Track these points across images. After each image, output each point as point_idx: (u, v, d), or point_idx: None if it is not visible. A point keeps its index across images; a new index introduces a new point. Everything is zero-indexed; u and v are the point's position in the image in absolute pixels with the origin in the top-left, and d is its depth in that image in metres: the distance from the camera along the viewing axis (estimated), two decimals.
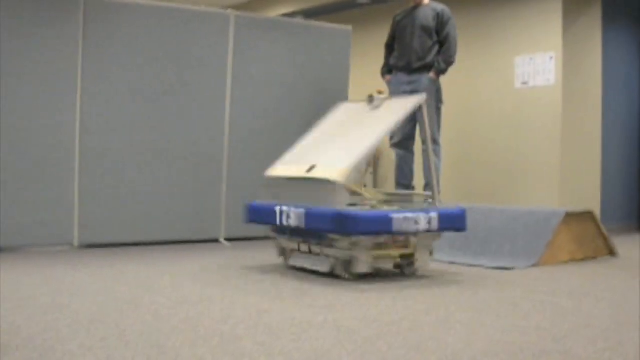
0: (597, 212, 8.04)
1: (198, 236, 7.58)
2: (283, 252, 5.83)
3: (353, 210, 5.10)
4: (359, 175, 7.34)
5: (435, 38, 7.43)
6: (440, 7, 7.49)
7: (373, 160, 10.23)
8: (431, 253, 5.50)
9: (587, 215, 6.69)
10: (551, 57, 8.59)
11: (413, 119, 7.38)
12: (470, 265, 6.02)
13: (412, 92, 7.39)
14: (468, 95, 9.39)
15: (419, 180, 7.68)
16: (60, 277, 5.23)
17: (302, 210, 5.22)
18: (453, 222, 5.41)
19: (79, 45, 6.97)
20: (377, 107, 5.91)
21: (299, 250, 5.58)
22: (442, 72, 7.41)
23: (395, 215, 5.07)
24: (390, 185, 8.25)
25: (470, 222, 6.08)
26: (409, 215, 5.12)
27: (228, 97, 7.72)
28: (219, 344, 3.24)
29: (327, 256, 5.31)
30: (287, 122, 8.00)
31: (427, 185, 7.34)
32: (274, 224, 5.52)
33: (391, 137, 7.57)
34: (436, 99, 7.42)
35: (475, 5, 9.40)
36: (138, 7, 7.31)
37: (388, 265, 5.36)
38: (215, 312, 4.02)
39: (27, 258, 6.33)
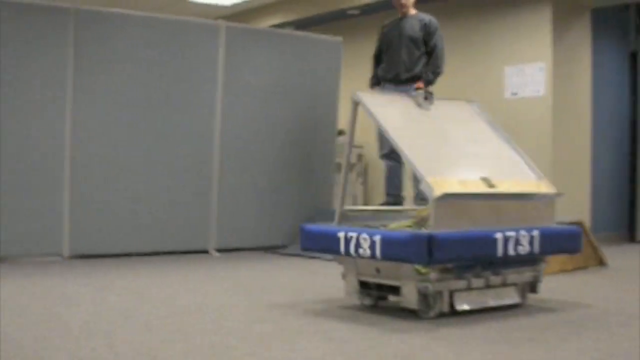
0: (587, 222, 8.05)
1: (188, 247, 7.56)
2: (433, 299, 4.20)
3: None
4: None
5: (422, 49, 7.42)
6: (427, 17, 7.49)
7: (363, 171, 10.26)
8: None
9: (577, 225, 6.69)
10: (541, 68, 8.61)
11: None
12: None
13: None
14: None
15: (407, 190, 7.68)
16: (50, 287, 5.22)
17: (536, 233, 4.39)
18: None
19: (70, 55, 6.97)
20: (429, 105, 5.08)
21: (469, 288, 4.32)
22: (430, 82, 7.40)
23: None
24: (379, 196, 8.24)
25: None
26: None
27: (218, 107, 7.72)
28: (211, 355, 3.24)
29: (512, 284, 4.53)
30: (277, 132, 8.01)
31: (417, 196, 7.34)
32: (494, 254, 4.24)
33: (381, 148, 7.57)
34: None
35: (464, 16, 9.42)
36: (129, 17, 7.32)
37: None
38: (207, 322, 4.01)
39: (17, 268, 6.31)
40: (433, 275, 4.11)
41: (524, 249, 4.29)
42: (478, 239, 4.19)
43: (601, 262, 6.75)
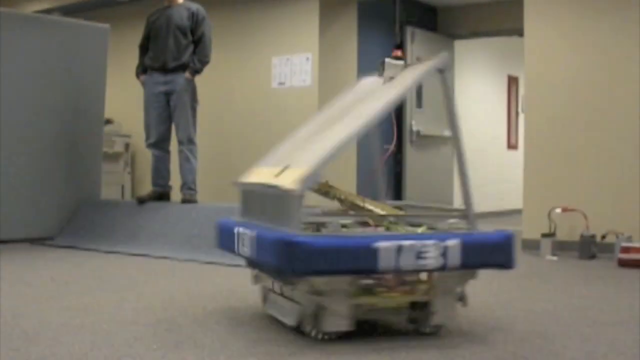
0: None
1: None
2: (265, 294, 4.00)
3: (311, 235, 3.37)
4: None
5: (190, 38, 7.44)
6: (194, 6, 7.51)
7: (130, 161, 10.16)
8: (462, 300, 3.69)
9: None
10: (307, 58, 8.81)
11: (168, 120, 7.44)
12: None
13: (168, 92, 7.39)
14: (224, 95, 9.47)
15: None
16: None
17: (253, 233, 3.53)
18: (489, 253, 3.50)
19: None
20: (391, 79, 4.11)
21: (273, 290, 3.84)
22: (197, 71, 7.44)
23: (382, 244, 3.31)
24: (147, 186, 8.18)
25: None
26: (410, 243, 3.34)
27: None
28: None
29: (296, 303, 3.55)
30: (43, 121, 7.80)
31: (184, 185, 7.38)
32: (233, 251, 3.80)
33: (147, 138, 7.55)
34: (192, 99, 7.45)
35: (232, 6, 9.50)
36: None
37: (391, 319, 3.77)
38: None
39: None
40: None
41: (246, 249, 3.62)
42: (226, 230, 3.94)
43: None
